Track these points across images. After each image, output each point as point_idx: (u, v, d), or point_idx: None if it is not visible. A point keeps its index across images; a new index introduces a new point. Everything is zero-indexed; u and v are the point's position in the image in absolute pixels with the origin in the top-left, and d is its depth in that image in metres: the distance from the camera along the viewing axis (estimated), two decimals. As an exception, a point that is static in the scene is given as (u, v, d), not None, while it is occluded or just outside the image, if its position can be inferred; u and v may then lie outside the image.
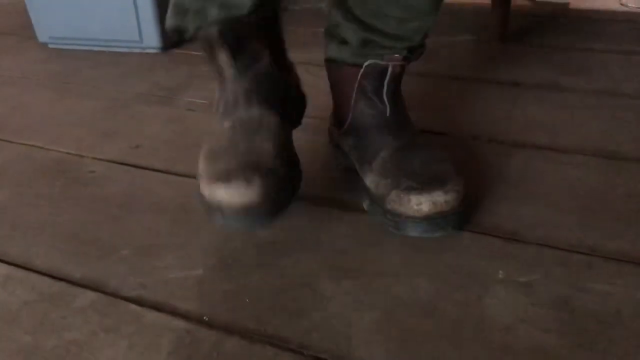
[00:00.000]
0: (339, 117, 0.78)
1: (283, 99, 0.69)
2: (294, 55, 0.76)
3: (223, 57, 0.64)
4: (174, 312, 0.57)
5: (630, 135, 0.85)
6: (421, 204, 0.63)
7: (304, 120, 0.76)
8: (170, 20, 0.67)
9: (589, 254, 0.61)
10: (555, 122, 0.90)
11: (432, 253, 0.63)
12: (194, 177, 0.79)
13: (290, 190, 0.63)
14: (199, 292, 0.59)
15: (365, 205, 0.70)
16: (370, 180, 0.69)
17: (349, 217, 0.69)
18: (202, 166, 0.62)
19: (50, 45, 1.40)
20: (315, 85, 0.81)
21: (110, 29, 1.32)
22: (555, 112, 0.94)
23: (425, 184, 0.64)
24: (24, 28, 1.48)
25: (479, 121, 0.92)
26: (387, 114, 0.71)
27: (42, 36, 1.40)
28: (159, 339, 0.54)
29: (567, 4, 1.51)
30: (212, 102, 0.70)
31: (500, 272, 0.60)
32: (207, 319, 0.56)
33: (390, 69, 0.70)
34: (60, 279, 0.62)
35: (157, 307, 0.58)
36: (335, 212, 0.71)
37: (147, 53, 1.32)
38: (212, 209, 0.59)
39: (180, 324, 0.55)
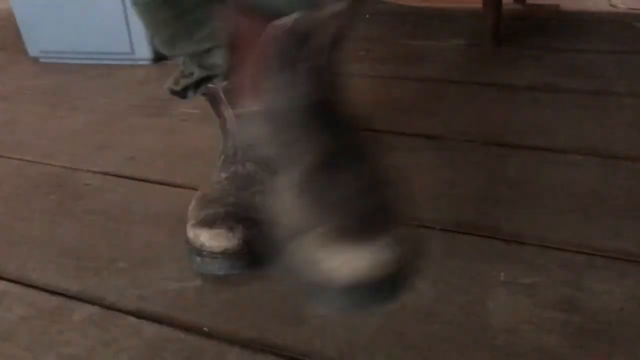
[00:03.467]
0: (237, 88, 0.57)
1: None
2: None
3: (227, 112, 0.65)
4: (174, 324, 0.56)
5: (625, 133, 0.86)
6: (341, 268, 0.42)
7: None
8: (165, 85, 0.70)
9: (590, 253, 0.61)
10: (550, 123, 0.90)
11: (433, 257, 0.62)
12: (190, 187, 0.79)
13: (274, 247, 0.50)
14: (199, 302, 0.59)
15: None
16: (277, 199, 0.51)
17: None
18: (192, 208, 0.64)
19: (41, 60, 1.40)
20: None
21: (101, 41, 1.31)
22: (550, 113, 0.94)
23: (348, 233, 0.44)
24: (15, 43, 1.47)
25: (474, 124, 0.92)
26: (314, 99, 0.50)
27: (33, 51, 1.39)
28: (160, 351, 0.53)
29: (557, 6, 1.52)
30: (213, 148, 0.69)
31: (502, 274, 0.59)
32: (207, 329, 0.55)
33: (328, 26, 0.48)
34: (58, 294, 0.61)
35: (156, 319, 0.57)
36: (334, 219, 0.70)
37: (139, 65, 1.32)
38: (192, 250, 0.60)
39: (180, 335, 0.55)
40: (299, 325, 0.55)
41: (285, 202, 0.49)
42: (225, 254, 0.58)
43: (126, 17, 1.26)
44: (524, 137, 0.86)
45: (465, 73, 1.15)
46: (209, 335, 0.55)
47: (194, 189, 0.78)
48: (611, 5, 1.47)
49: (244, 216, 0.60)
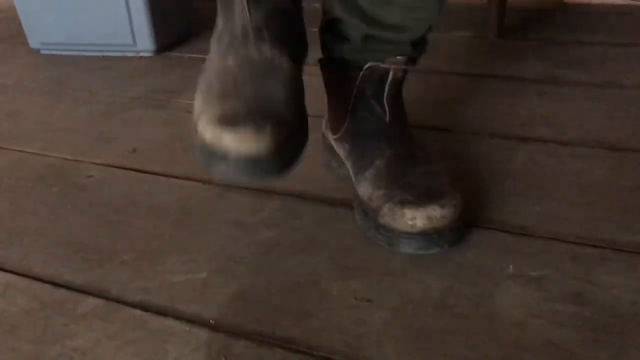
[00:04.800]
0: (334, 121, 0.74)
1: (296, 37, 0.62)
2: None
3: None
4: (179, 317, 0.56)
5: (632, 126, 0.85)
6: (415, 218, 0.59)
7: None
8: None
9: (599, 246, 0.60)
10: (557, 116, 0.90)
11: (441, 250, 0.62)
12: (193, 179, 0.78)
13: (301, 141, 0.56)
14: (204, 295, 0.58)
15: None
16: (363, 190, 0.65)
17: (353, 215, 0.68)
18: (201, 105, 0.54)
19: (42, 52, 1.39)
20: (311, 85, 0.80)
21: (102, 33, 1.30)
22: (557, 106, 0.93)
23: (420, 198, 0.61)
24: (16, 35, 1.47)
25: (480, 116, 0.91)
26: (387, 121, 0.68)
27: (34, 42, 1.38)
28: (165, 344, 0.52)
29: (561, -2, 1.51)
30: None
31: (511, 267, 0.59)
32: (213, 322, 0.55)
33: (391, 73, 0.67)
34: (61, 286, 0.61)
35: (161, 312, 0.56)
36: (340, 211, 0.69)
37: (141, 57, 1.31)
38: (214, 156, 0.50)
39: (186, 328, 0.54)
40: (305, 318, 0.54)
41: (366, 188, 0.65)
42: (256, 158, 0.50)
43: (128, 9, 1.25)
44: (531, 130, 0.86)
45: (469, 65, 1.14)
46: (215, 328, 0.54)
47: (198, 180, 0.77)
48: (616, -3, 1.46)
49: (269, 111, 0.52)
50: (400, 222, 0.60)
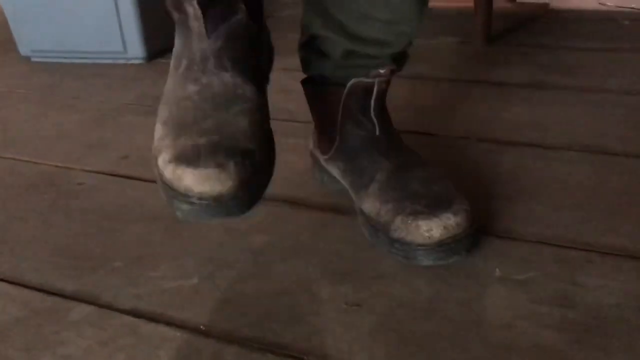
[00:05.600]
0: (323, 142, 0.73)
1: (259, 59, 0.58)
2: (279, 62, 0.75)
3: (190, 8, 0.54)
4: (170, 323, 0.56)
5: (617, 130, 0.86)
6: (431, 229, 0.58)
7: (293, 124, 0.76)
8: None
9: (584, 249, 0.61)
10: (542, 120, 0.91)
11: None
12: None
13: (267, 175, 0.53)
14: (195, 301, 0.59)
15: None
16: (369, 207, 0.64)
17: (343, 220, 0.69)
18: (161, 137, 0.51)
19: (32, 59, 1.39)
20: (303, 91, 0.81)
21: (93, 40, 1.31)
22: (542, 110, 0.94)
23: (431, 207, 0.60)
24: (5, 42, 1.46)
25: (467, 122, 0.92)
26: (377, 133, 0.67)
27: (24, 50, 1.39)
28: (157, 350, 0.53)
29: (547, 5, 1.53)
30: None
31: (497, 270, 0.59)
32: (204, 328, 0.55)
33: (376, 86, 0.66)
34: (53, 294, 0.61)
35: (153, 318, 0.57)
36: (329, 216, 0.70)
37: (132, 64, 1.31)
38: (176, 196, 0.48)
39: (177, 334, 0.55)
40: (296, 323, 0.55)
41: (372, 204, 0.64)
42: (219, 198, 0.47)
43: (118, 16, 1.26)
44: (517, 134, 0.87)
45: (457, 71, 1.15)
46: (206, 334, 0.54)
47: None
48: (600, 3, 1.48)
49: (232, 146, 0.49)
50: (415, 235, 0.59)
